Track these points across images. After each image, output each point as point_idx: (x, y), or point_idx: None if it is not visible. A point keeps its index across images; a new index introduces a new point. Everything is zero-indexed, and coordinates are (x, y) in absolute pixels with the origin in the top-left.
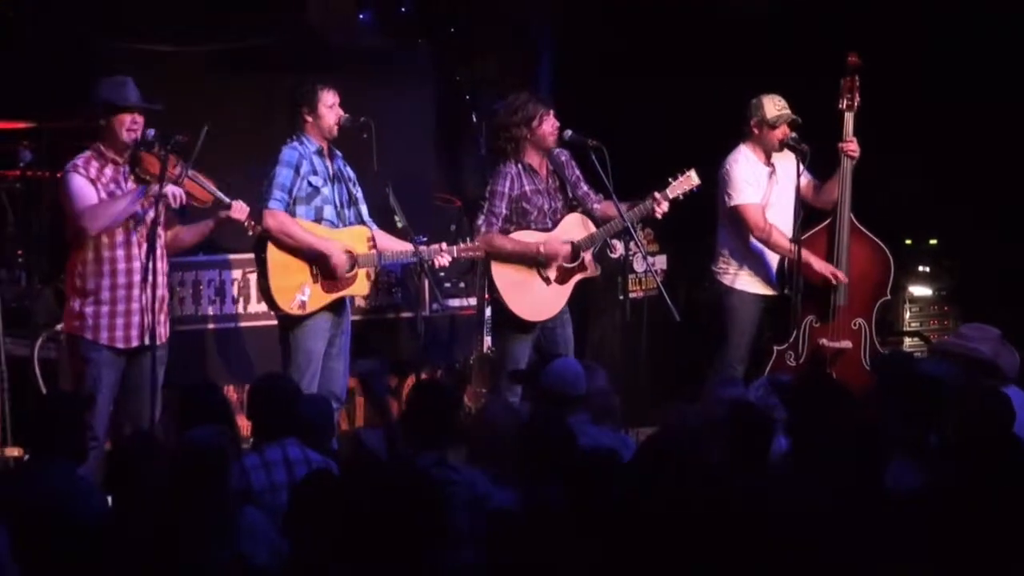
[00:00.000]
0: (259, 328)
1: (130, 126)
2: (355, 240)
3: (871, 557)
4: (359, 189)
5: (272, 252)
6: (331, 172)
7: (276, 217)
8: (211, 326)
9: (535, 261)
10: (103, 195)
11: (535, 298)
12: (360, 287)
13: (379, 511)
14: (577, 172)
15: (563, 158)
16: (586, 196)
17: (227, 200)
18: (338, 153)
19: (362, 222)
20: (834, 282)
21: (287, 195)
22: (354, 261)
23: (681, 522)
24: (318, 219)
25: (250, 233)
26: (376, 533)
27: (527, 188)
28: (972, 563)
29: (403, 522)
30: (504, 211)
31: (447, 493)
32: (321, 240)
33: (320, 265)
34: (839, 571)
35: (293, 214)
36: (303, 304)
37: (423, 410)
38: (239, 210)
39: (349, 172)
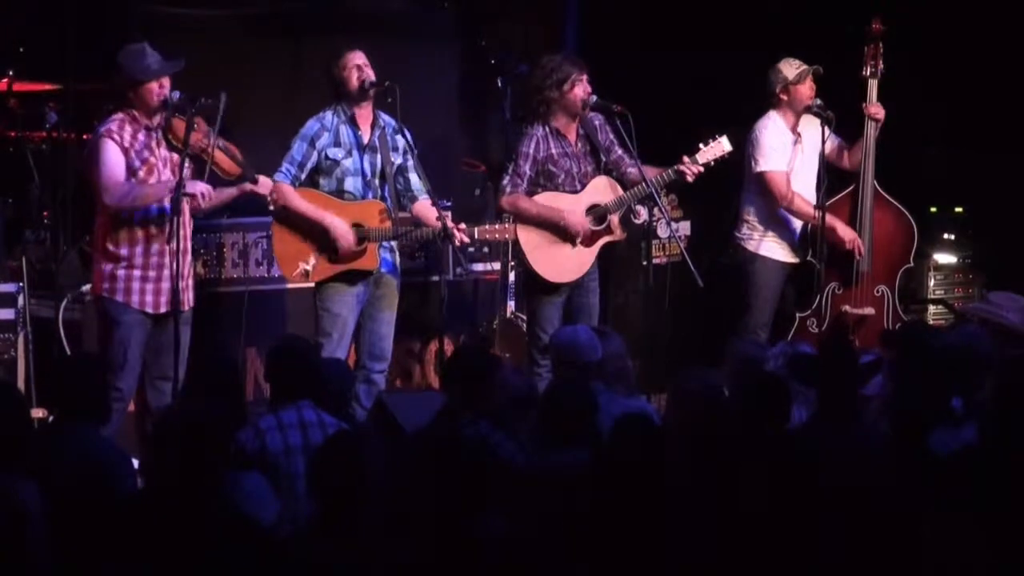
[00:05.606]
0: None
1: (157, 91)
2: (367, 214)
3: (917, 509)
4: (409, 159)
5: (277, 221)
6: (364, 141)
7: (278, 189)
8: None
9: (558, 225)
10: (135, 163)
11: (561, 260)
12: (370, 261)
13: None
14: (611, 137)
15: (596, 122)
16: (620, 160)
17: (253, 174)
18: (387, 120)
19: (409, 192)
20: (856, 254)
21: (296, 168)
22: (364, 235)
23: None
24: (339, 191)
25: (271, 208)
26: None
27: (554, 151)
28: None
29: (447, 486)
30: (528, 172)
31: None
32: (320, 213)
33: (320, 237)
34: (889, 520)
35: (316, 185)
36: (306, 273)
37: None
38: (264, 185)
39: (397, 141)
